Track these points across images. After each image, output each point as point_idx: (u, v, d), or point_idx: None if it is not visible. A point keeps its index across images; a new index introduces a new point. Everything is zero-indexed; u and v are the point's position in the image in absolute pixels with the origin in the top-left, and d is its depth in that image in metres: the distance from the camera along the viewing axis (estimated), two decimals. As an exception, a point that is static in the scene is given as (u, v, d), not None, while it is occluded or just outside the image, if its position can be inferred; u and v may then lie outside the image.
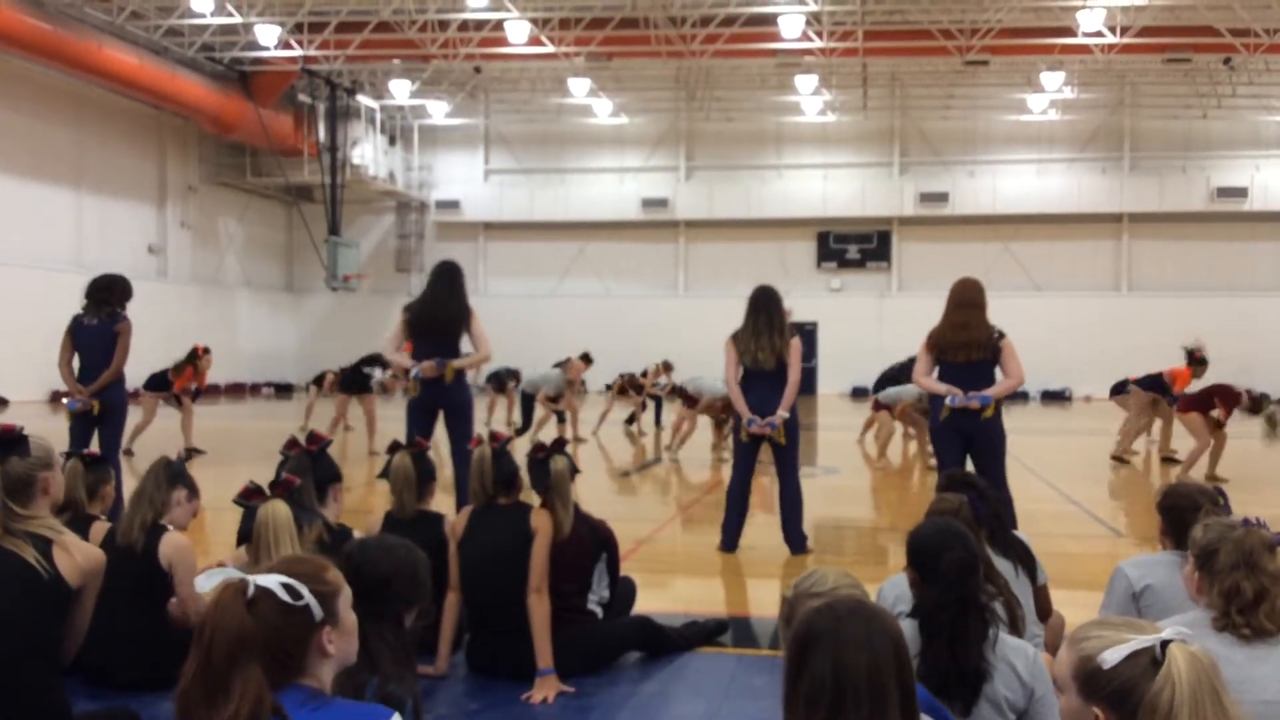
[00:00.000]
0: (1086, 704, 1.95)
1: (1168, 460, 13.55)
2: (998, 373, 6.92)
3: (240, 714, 1.98)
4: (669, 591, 6.63)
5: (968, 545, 3.02)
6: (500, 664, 4.63)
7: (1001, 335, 6.90)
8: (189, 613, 4.34)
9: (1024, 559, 4.14)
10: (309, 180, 29.79)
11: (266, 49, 24.93)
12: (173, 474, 4.60)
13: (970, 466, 6.67)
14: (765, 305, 7.49)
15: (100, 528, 4.60)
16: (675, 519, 9.58)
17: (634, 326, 29.62)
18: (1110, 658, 1.91)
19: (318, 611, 2.11)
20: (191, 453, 13.13)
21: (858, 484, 12.08)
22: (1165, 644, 1.90)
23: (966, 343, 6.85)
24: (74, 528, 3.82)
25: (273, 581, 2.08)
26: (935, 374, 7.00)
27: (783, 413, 7.34)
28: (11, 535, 3.35)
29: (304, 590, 2.09)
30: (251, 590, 2.07)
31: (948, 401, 6.76)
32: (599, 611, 4.94)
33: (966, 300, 6.98)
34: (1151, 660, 1.88)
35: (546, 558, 4.56)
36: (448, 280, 7.66)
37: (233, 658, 2.01)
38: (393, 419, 15.00)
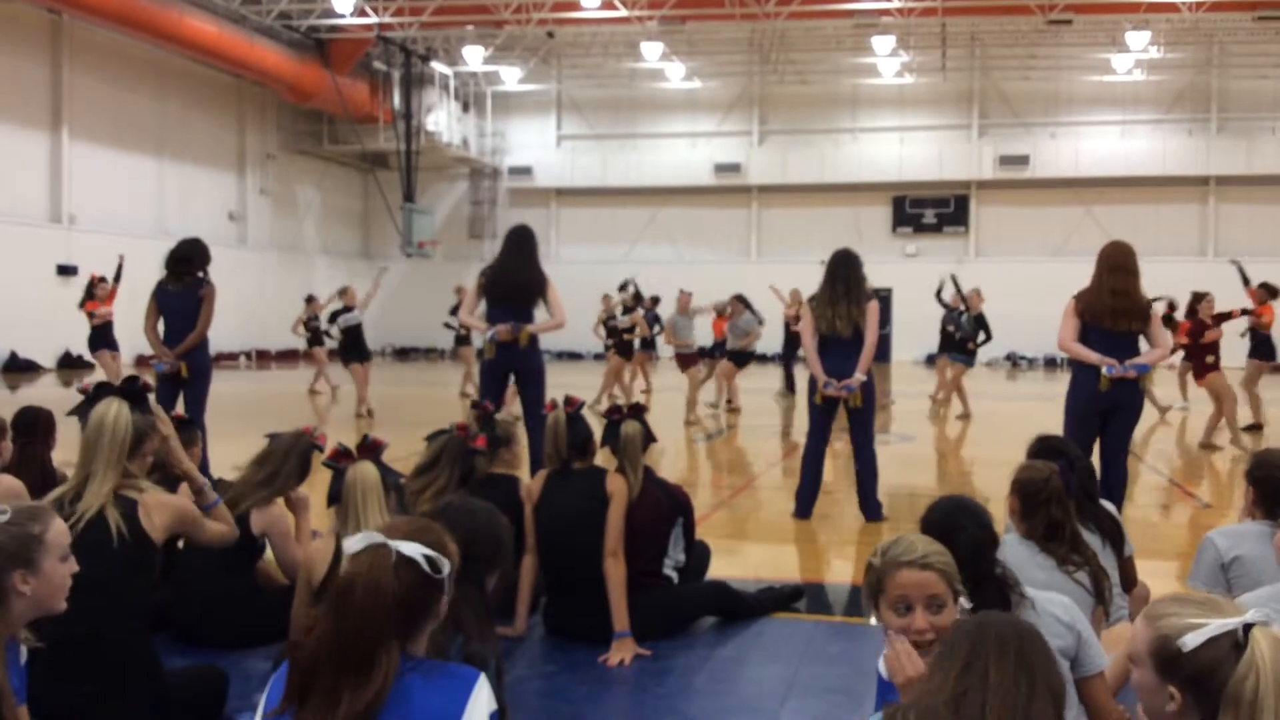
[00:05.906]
0: (1163, 683, 1.87)
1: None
2: (1141, 342, 6.67)
3: (376, 683, 1.94)
4: (743, 558, 6.62)
5: (981, 522, 2.99)
6: (577, 626, 4.67)
7: (1150, 304, 6.70)
8: (289, 576, 4.42)
9: (1111, 531, 4.07)
10: (384, 147, 30.07)
11: (342, 16, 25.15)
12: (304, 466, 4.60)
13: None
14: (844, 271, 7.38)
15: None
16: (749, 485, 9.57)
17: (706, 293, 29.42)
18: (1190, 641, 1.82)
19: (450, 586, 2.08)
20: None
21: (933, 452, 11.95)
22: (1248, 627, 1.81)
23: (1128, 310, 6.54)
24: (163, 488, 3.91)
25: (415, 551, 2.03)
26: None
27: (859, 375, 7.25)
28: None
29: (444, 564, 2.05)
30: (394, 557, 2.02)
31: (1105, 371, 6.45)
32: (674, 576, 4.95)
33: (1120, 265, 6.67)
34: (1234, 644, 1.79)
35: (622, 521, 4.59)
36: (523, 247, 7.70)
37: (380, 627, 1.97)
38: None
